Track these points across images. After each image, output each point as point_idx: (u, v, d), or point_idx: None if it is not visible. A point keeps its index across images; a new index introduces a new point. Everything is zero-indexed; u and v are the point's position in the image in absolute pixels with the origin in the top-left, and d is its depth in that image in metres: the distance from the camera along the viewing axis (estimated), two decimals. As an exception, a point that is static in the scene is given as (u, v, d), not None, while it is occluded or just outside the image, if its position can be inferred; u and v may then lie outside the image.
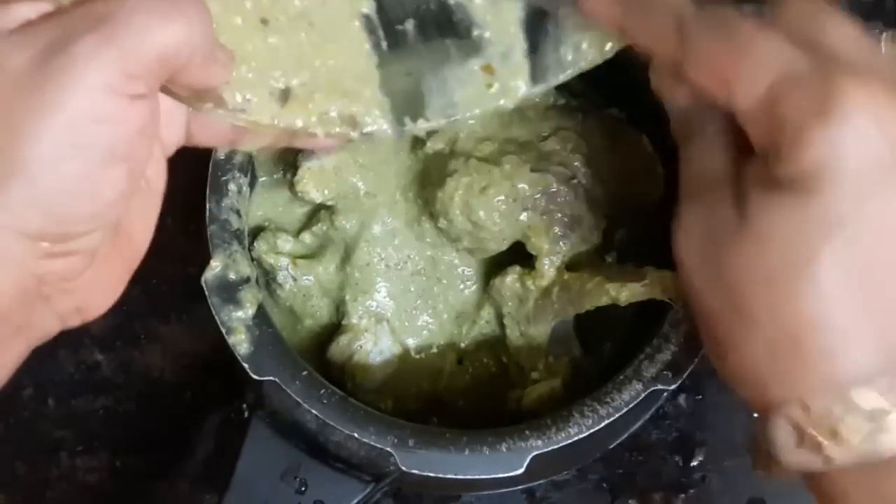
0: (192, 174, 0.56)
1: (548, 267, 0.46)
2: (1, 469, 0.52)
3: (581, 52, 0.37)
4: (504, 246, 0.47)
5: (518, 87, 0.37)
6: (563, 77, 0.37)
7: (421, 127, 0.38)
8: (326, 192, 0.48)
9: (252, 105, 0.35)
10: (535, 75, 0.37)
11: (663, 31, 0.33)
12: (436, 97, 0.38)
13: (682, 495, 0.52)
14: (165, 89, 0.33)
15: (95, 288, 0.34)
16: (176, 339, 0.54)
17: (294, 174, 0.48)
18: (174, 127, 0.36)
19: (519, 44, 0.37)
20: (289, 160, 0.49)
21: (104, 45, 0.29)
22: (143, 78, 0.30)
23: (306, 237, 0.49)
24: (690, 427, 0.53)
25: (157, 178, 0.36)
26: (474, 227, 0.46)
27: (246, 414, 0.51)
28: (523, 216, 0.46)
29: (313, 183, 0.48)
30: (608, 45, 0.36)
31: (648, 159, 0.48)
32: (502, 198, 0.45)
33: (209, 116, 0.35)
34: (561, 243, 0.46)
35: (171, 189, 0.56)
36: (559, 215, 0.46)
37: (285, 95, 0.36)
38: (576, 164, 0.47)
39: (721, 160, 0.33)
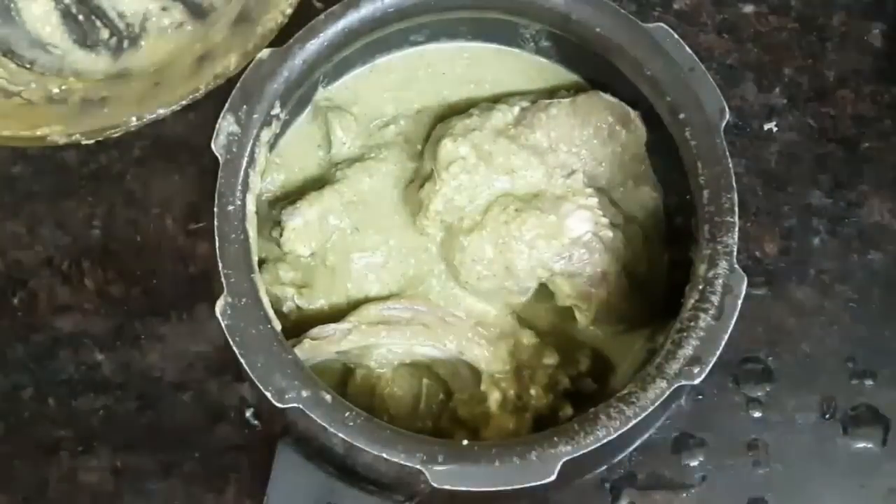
0: (191, 176, 0.56)
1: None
2: (1, 469, 0.52)
3: None
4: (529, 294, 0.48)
5: None
6: None
7: None
8: (314, 244, 0.48)
9: None
10: None
11: None
12: None
13: (683, 495, 0.52)
14: None
15: None
16: (176, 339, 0.54)
17: (280, 234, 0.48)
18: None
19: None
20: (273, 216, 0.49)
21: None
22: None
23: (296, 262, 0.49)
24: (690, 427, 0.53)
25: None
26: (506, 272, 0.47)
27: (248, 414, 0.51)
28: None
29: (300, 240, 0.48)
30: None
31: (616, 108, 0.49)
32: (540, 231, 0.46)
33: None
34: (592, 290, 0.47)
35: (171, 190, 0.56)
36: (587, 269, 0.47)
37: None
38: (568, 159, 0.48)
39: None
